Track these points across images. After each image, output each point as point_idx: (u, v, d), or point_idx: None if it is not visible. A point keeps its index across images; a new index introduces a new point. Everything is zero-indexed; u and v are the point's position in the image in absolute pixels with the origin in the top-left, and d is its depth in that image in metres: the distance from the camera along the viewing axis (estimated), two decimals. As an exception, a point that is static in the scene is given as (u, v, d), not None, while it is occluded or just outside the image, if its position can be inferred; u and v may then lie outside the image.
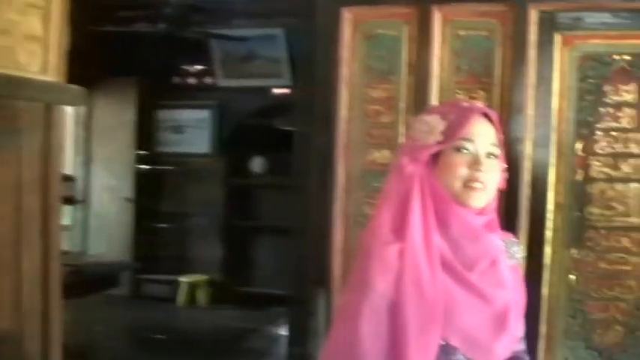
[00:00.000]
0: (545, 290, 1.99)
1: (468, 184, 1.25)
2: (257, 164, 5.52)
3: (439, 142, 1.26)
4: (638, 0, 1.91)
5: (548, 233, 1.99)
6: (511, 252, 1.35)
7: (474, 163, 1.25)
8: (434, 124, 1.27)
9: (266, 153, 5.43)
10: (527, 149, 1.96)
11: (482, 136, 1.27)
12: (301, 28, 2.00)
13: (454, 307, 1.22)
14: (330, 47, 2.06)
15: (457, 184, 1.25)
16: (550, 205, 1.99)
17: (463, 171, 1.25)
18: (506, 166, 1.32)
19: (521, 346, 1.38)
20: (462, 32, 2.00)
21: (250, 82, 5.01)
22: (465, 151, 1.25)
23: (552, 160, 1.98)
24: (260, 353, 4.07)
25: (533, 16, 1.96)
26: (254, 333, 4.35)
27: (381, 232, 1.26)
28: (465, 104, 1.36)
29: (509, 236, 1.41)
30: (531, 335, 1.94)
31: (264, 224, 5.70)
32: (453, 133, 1.25)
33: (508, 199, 1.94)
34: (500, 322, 1.25)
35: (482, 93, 1.99)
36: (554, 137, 1.98)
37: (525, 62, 1.95)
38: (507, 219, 1.93)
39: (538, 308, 1.98)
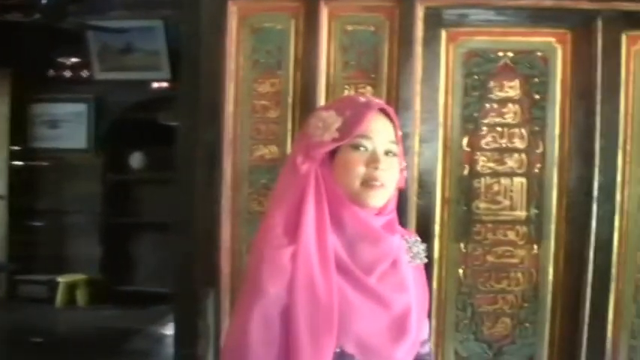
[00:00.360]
0: (434, 284, 2.12)
1: (366, 182, 1.28)
2: (136, 160, 5.60)
3: (335, 139, 1.29)
4: (521, -3, 2.15)
5: (437, 228, 2.13)
6: (414, 252, 1.39)
7: (372, 161, 1.29)
8: (329, 121, 1.30)
9: (145, 148, 5.54)
10: (415, 145, 2.10)
11: (381, 133, 1.31)
12: (185, 21, 2.12)
13: (349, 313, 1.25)
14: (215, 41, 2.12)
15: (355, 183, 1.29)
16: (438, 200, 2.14)
17: (361, 169, 1.28)
18: (405, 164, 1.38)
19: (426, 349, 1.43)
20: (349, 27, 2.10)
21: (128, 75, 5.10)
22: (362, 148, 1.29)
23: (439, 155, 2.13)
24: (144, 354, 4.15)
25: (419, 12, 2.09)
26: (137, 333, 4.43)
27: (273, 233, 1.28)
28: (363, 100, 1.37)
29: (413, 235, 1.45)
30: (422, 330, 2.21)
31: (144, 221, 5.78)
32: (350, 129, 1.28)
33: (397, 194, 2.17)
34: (399, 327, 1.29)
35: (369, 88, 2.09)
36: (440, 133, 2.12)
37: (412, 58, 2.07)
38: (397, 214, 2.18)
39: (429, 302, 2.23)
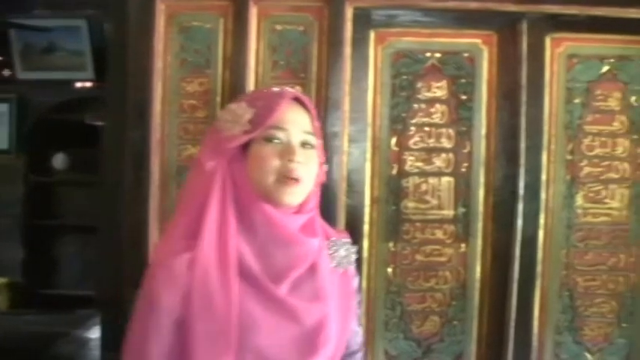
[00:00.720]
0: (364, 284, 2.15)
1: (280, 177, 1.21)
2: (59, 161, 5.54)
3: (246, 132, 1.22)
4: (448, 0, 2.17)
5: (366, 227, 2.15)
6: (341, 256, 1.31)
7: (287, 153, 1.22)
8: (240, 113, 1.23)
9: (69, 149, 5.46)
10: (344, 144, 2.12)
11: (295, 123, 1.25)
12: (111, 19, 2.09)
13: (251, 326, 1.16)
14: (143, 39, 2.10)
15: (269, 179, 1.21)
16: (367, 200, 2.16)
17: (274, 163, 1.21)
18: (324, 158, 1.33)
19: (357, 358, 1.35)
20: (278, 27, 2.11)
21: (51, 74, 5.03)
22: (275, 140, 1.22)
23: (368, 155, 2.15)
24: (68, 358, 4.10)
25: (348, 12, 2.10)
26: (61, 337, 4.36)
27: (171, 239, 1.21)
28: (276, 90, 1.30)
29: (342, 236, 1.37)
30: (351, 329, 2.23)
31: (68, 223, 5.70)
32: (262, 121, 1.21)
33: (326, 193, 2.19)
34: (310, 341, 1.20)
35: (299, 88, 2.07)
36: (369, 133, 2.15)
37: (341, 58, 2.09)
38: (326, 214, 2.18)
39: (358, 302, 2.25)
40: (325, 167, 1.35)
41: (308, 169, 1.26)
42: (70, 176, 5.71)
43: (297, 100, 1.30)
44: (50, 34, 4.91)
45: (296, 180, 1.23)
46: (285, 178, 1.23)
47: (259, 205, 1.22)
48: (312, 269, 1.26)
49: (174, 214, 1.28)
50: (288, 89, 1.33)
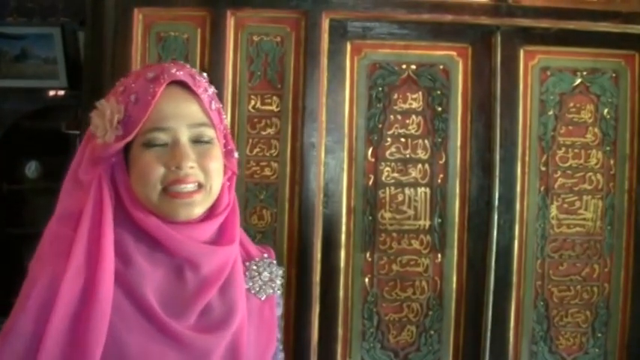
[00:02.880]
0: (340, 293, 2.21)
1: (169, 190, 1.01)
2: (32, 169, 5.57)
3: (118, 138, 1.01)
4: (423, 12, 2.21)
5: (343, 237, 2.21)
6: (263, 279, 1.12)
7: (173, 158, 1.00)
8: (108, 113, 1.01)
9: (41, 157, 5.49)
10: (321, 155, 2.18)
11: (180, 117, 1.01)
12: (86, 28, 2.13)
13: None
14: (120, 48, 2.15)
15: (154, 194, 1.01)
16: (343, 210, 2.21)
17: (158, 173, 1.01)
18: (233, 144, 1.13)
19: None
20: (255, 38, 2.17)
21: (24, 82, 5.08)
22: (156, 145, 1.01)
23: (344, 165, 2.21)
24: None
25: (324, 24, 2.17)
26: None
27: (41, 254, 1.05)
28: (150, 74, 1.03)
29: (266, 253, 1.17)
30: (328, 338, 2.27)
31: (40, 231, 5.71)
32: (134, 122, 1.00)
33: (304, 204, 2.19)
34: None
35: (276, 99, 2.17)
36: (346, 143, 2.21)
37: (318, 69, 2.16)
38: (303, 224, 2.17)
39: (334, 311, 2.21)
40: (236, 155, 1.12)
41: (207, 169, 1.03)
42: (43, 185, 5.71)
43: (180, 82, 1.03)
44: (23, 42, 4.94)
45: (191, 191, 1.02)
46: (174, 190, 1.01)
47: (148, 222, 1.02)
48: (226, 283, 1.06)
49: (45, 237, 1.09)
50: (169, 68, 1.05)
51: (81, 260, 0.99)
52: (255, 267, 1.14)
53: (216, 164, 1.06)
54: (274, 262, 1.18)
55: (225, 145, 1.11)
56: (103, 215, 1.00)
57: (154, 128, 1.01)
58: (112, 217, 1.01)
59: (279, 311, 1.18)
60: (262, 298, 1.13)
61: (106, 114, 1.02)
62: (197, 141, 1.04)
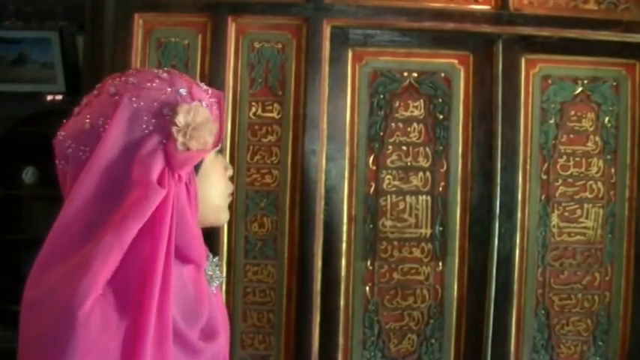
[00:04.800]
0: (341, 302, 2.21)
1: (228, 195, 1.06)
2: (29, 174, 5.55)
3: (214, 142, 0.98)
4: (425, 20, 2.21)
5: (343, 246, 2.21)
6: (216, 274, 1.10)
7: (229, 167, 1.07)
8: (209, 117, 0.97)
9: (39, 162, 5.46)
10: (322, 162, 2.17)
11: None
12: (85, 33, 2.11)
13: None
14: (120, 53, 2.14)
15: (221, 199, 1.04)
16: (344, 218, 2.21)
17: (225, 179, 1.05)
18: None
19: None
20: (256, 44, 2.18)
21: (21, 87, 5.06)
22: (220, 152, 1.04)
23: (345, 173, 2.21)
24: None
25: (326, 31, 2.17)
26: None
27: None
28: (203, 86, 1.02)
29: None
30: (329, 347, 2.26)
31: (36, 237, 5.66)
32: (218, 127, 1.00)
33: (305, 212, 2.19)
34: None
35: (277, 106, 2.17)
36: (347, 151, 2.21)
37: (319, 76, 2.16)
38: (303, 232, 2.17)
39: (335, 320, 2.21)
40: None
41: None
42: (40, 190, 5.68)
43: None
44: (20, 46, 4.92)
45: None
46: (230, 195, 1.07)
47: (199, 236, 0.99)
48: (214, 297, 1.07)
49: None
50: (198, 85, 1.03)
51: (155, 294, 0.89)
52: (210, 264, 1.10)
53: None
54: (216, 258, 1.14)
55: None
56: (172, 237, 0.92)
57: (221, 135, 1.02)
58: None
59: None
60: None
61: (208, 117, 0.96)
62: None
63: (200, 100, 0.98)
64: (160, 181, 0.91)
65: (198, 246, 0.97)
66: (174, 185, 0.92)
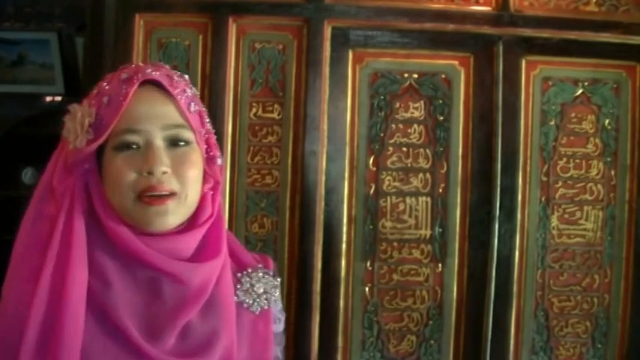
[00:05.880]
0: (341, 303, 2.21)
1: (141, 196, 0.94)
2: (29, 175, 5.57)
3: (89, 142, 0.95)
4: (425, 21, 2.22)
5: (343, 246, 2.21)
6: (256, 292, 1.03)
7: (145, 161, 0.94)
8: (80, 116, 0.95)
9: (38, 163, 5.49)
10: (322, 163, 2.18)
11: (154, 118, 0.95)
12: (85, 34, 2.11)
13: None
14: (120, 54, 2.15)
15: (125, 200, 0.95)
16: (344, 219, 2.21)
17: (129, 178, 0.94)
18: (217, 150, 1.04)
19: None
20: (257, 45, 2.18)
21: (20, 88, 5.08)
22: (128, 148, 0.95)
23: (346, 174, 2.21)
24: None
25: (327, 32, 2.18)
26: None
27: (16, 287, 0.95)
28: (124, 75, 0.97)
29: (261, 263, 1.08)
30: (328, 348, 2.26)
31: None
32: (105, 124, 0.94)
33: (305, 212, 2.19)
34: None
35: (277, 107, 2.18)
36: (347, 152, 2.22)
37: (319, 77, 2.17)
38: (303, 232, 2.17)
39: (334, 321, 2.21)
40: (219, 162, 1.04)
41: (183, 176, 0.96)
42: (40, 191, 5.75)
43: (156, 84, 0.97)
44: (19, 47, 4.94)
45: (164, 198, 0.94)
46: (146, 197, 0.94)
47: (120, 234, 0.95)
48: (209, 302, 0.98)
49: (15, 253, 1.02)
50: (144, 68, 0.99)
51: (47, 284, 0.92)
52: (247, 278, 1.06)
53: (193, 171, 0.98)
54: (270, 272, 1.09)
55: (207, 151, 1.03)
56: (73, 231, 0.94)
57: (125, 130, 0.95)
58: (84, 232, 0.95)
59: (277, 327, 1.10)
60: (257, 312, 1.04)
61: (77, 117, 0.96)
62: (173, 144, 0.97)
63: (96, 92, 1.00)
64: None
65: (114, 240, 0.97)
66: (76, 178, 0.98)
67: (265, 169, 2.19)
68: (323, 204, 2.21)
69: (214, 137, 1.06)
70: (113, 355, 0.92)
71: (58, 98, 4.94)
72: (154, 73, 0.98)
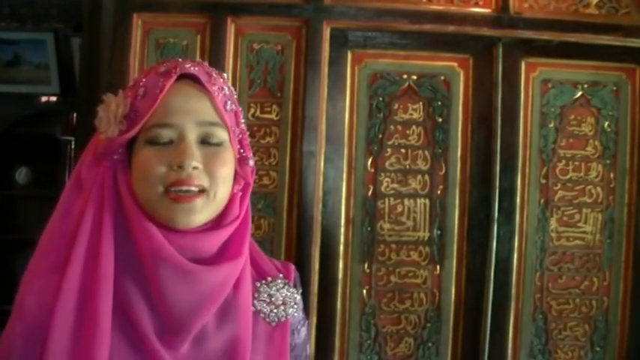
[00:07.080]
0: (338, 304, 2.22)
1: (170, 191, 0.92)
2: (22, 175, 5.56)
3: (122, 132, 0.94)
4: (425, 23, 2.22)
5: (341, 248, 2.22)
6: (276, 301, 1.01)
7: (176, 155, 0.92)
8: (114, 106, 0.95)
9: (32, 163, 5.48)
10: (320, 164, 2.18)
11: (189, 113, 0.94)
12: (82, 34, 2.11)
13: None
14: (118, 54, 2.15)
15: (153, 194, 0.93)
16: (342, 220, 2.22)
17: (159, 172, 0.92)
18: (249, 151, 1.03)
19: None
20: (255, 45, 2.18)
21: (16, 88, 5.08)
22: (160, 142, 0.93)
23: (344, 175, 2.22)
24: None
25: (326, 32, 2.18)
26: None
27: (39, 276, 0.95)
28: (163, 68, 0.97)
29: (282, 273, 1.05)
30: (325, 350, 2.26)
31: (28, 237, 5.66)
32: (138, 116, 0.93)
33: (302, 214, 2.19)
34: None
35: (275, 107, 2.18)
36: (345, 153, 2.22)
37: (318, 78, 2.17)
38: (301, 234, 2.17)
39: (332, 323, 2.21)
40: (251, 163, 1.02)
41: (214, 174, 0.94)
42: (33, 191, 5.70)
43: (193, 78, 0.96)
44: (15, 47, 4.94)
45: (192, 195, 0.92)
46: (174, 192, 0.92)
47: (143, 227, 0.93)
48: (227, 305, 0.95)
49: (40, 244, 1.00)
50: (183, 63, 0.98)
51: (77, 278, 0.91)
52: (266, 288, 1.02)
53: (224, 169, 0.96)
54: (290, 283, 1.05)
55: (240, 152, 1.01)
56: (102, 223, 0.92)
57: (158, 124, 0.93)
58: (112, 225, 0.93)
59: (295, 338, 1.06)
60: (273, 324, 1.01)
61: (111, 107, 0.95)
62: (206, 142, 0.95)
63: (133, 84, 0.99)
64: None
65: (135, 234, 0.95)
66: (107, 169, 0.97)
67: (263, 170, 2.19)
68: (321, 205, 2.21)
69: (248, 138, 1.05)
70: (125, 355, 0.90)
71: (54, 98, 4.95)
72: (192, 68, 0.97)
